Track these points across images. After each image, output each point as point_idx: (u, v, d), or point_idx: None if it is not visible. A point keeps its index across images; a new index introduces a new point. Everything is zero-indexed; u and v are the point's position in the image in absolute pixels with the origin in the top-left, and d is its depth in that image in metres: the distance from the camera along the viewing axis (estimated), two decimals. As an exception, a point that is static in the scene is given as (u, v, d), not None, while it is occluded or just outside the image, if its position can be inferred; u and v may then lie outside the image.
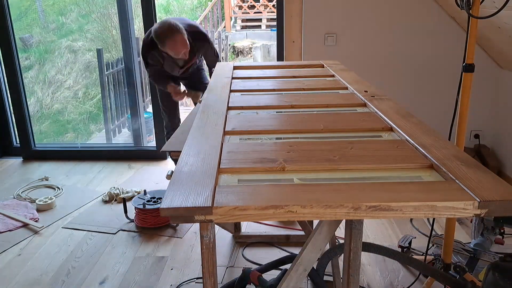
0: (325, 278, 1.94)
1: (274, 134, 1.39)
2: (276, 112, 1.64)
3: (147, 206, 2.70)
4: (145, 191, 2.85)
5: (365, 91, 1.81)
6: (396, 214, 0.91)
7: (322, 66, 2.46)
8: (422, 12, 3.23)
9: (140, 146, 4.23)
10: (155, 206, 2.70)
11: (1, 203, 3.07)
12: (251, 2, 10.83)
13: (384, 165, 1.11)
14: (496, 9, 1.69)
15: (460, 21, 3.17)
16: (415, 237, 2.44)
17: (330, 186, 0.99)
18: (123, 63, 4.44)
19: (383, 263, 2.29)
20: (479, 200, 0.89)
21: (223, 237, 2.57)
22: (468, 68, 1.77)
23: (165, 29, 2.64)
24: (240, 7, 11.04)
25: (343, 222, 1.17)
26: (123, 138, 5.24)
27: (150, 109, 4.33)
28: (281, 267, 2.04)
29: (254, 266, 2.19)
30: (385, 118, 1.47)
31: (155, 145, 3.87)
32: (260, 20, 10.88)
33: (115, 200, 3.10)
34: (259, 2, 10.78)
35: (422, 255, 2.25)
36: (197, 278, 2.19)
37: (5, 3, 3.62)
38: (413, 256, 2.19)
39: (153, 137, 4.41)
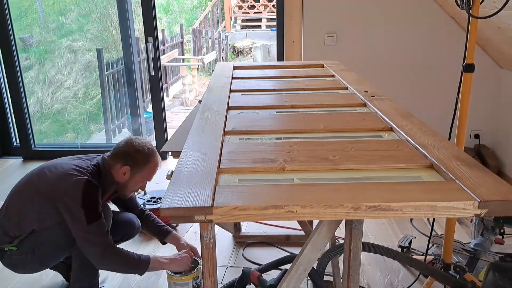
0: (325, 278, 1.93)
1: (274, 134, 1.39)
2: (276, 112, 1.64)
3: (147, 206, 2.70)
4: (145, 191, 2.85)
5: (365, 91, 1.81)
6: (396, 214, 0.91)
7: (322, 66, 2.46)
8: (422, 12, 3.23)
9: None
10: (155, 206, 2.70)
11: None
12: (251, 2, 10.83)
13: (384, 165, 1.11)
14: (496, 9, 1.69)
15: (460, 21, 3.17)
16: (415, 237, 2.44)
17: (330, 186, 0.99)
18: (123, 63, 4.45)
19: (383, 263, 2.29)
20: (479, 200, 0.89)
21: (223, 237, 2.57)
22: (468, 68, 1.77)
23: (148, 146, 1.95)
24: (240, 7, 11.04)
25: (343, 222, 1.17)
26: (123, 138, 5.24)
27: (150, 109, 4.33)
28: (281, 267, 2.04)
29: (254, 266, 2.19)
30: (385, 118, 1.47)
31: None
32: (260, 20, 10.88)
33: (115, 200, 3.09)
34: (259, 2, 10.78)
35: (422, 255, 2.25)
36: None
37: (5, 3, 3.62)
38: (413, 256, 2.19)
39: (153, 137, 4.40)
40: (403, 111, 1.54)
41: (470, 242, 2.25)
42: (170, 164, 3.72)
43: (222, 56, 9.75)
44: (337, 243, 2.02)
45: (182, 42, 9.12)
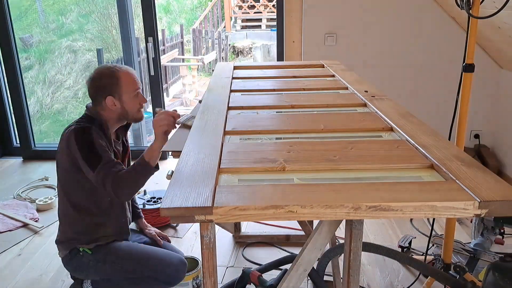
0: (325, 278, 1.93)
1: (274, 134, 1.38)
2: (276, 112, 1.64)
3: (147, 206, 2.70)
4: (145, 191, 2.85)
5: (365, 91, 1.81)
6: (396, 214, 0.91)
7: (322, 66, 2.46)
8: (422, 12, 3.23)
9: (140, 146, 4.23)
10: (155, 206, 2.71)
11: (1, 203, 3.07)
12: (251, 2, 10.83)
13: (384, 165, 1.11)
14: (496, 9, 1.69)
15: (460, 21, 3.17)
16: (415, 237, 2.44)
17: (330, 186, 0.99)
18: (123, 63, 4.44)
19: (383, 263, 2.29)
20: (479, 200, 0.89)
21: (223, 237, 2.57)
22: (468, 68, 1.77)
23: (105, 67, 1.87)
24: (240, 7, 11.04)
25: (343, 222, 1.17)
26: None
27: (150, 109, 4.33)
28: (281, 267, 2.04)
29: (254, 266, 2.19)
30: (386, 118, 1.47)
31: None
32: (260, 20, 10.88)
33: (115, 200, 3.09)
34: (259, 2, 10.78)
35: (422, 255, 2.25)
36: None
37: (5, 3, 3.62)
38: (413, 256, 2.19)
39: (153, 137, 4.40)
40: (403, 111, 1.54)
41: (470, 242, 2.25)
42: (170, 164, 3.72)
43: (222, 56, 9.75)
44: (337, 243, 2.02)
45: (182, 42, 9.13)
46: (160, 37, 6.77)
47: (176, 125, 1.78)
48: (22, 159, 3.98)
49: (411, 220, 2.74)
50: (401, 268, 2.25)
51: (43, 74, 7.88)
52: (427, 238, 2.39)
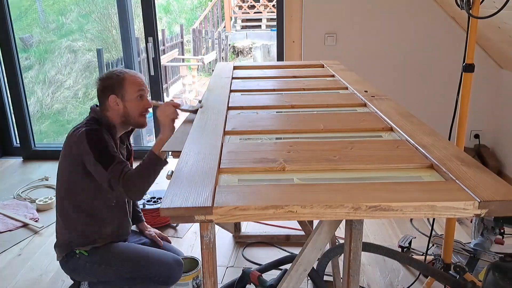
0: (325, 278, 1.93)
1: (274, 134, 1.39)
2: (276, 112, 1.64)
3: (147, 206, 2.70)
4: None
5: (365, 91, 1.81)
6: (396, 214, 0.91)
7: (322, 66, 2.46)
8: (422, 12, 3.23)
9: (140, 146, 4.23)
10: (155, 206, 2.70)
11: (1, 203, 3.07)
12: (251, 2, 10.83)
13: (384, 165, 1.11)
14: (496, 9, 1.69)
15: (460, 21, 3.17)
16: (415, 237, 2.44)
17: (330, 186, 0.99)
18: (123, 63, 4.44)
19: (383, 263, 2.29)
20: (479, 200, 0.89)
21: (223, 237, 2.57)
22: (468, 68, 1.77)
23: (115, 69, 1.90)
24: (240, 7, 11.04)
25: (343, 222, 1.17)
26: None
27: (150, 109, 4.33)
28: (281, 267, 2.04)
29: (254, 266, 2.19)
30: (385, 118, 1.47)
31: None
32: (260, 20, 10.88)
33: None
34: (259, 2, 10.79)
35: (422, 255, 2.25)
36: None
37: (5, 3, 3.62)
38: (413, 256, 2.19)
39: (153, 137, 4.41)
40: (403, 111, 1.54)
41: (470, 242, 2.25)
42: (170, 164, 3.71)
43: (222, 56, 9.75)
44: (337, 243, 2.02)
45: (182, 42, 9.13)
46: (160, 37, 6.78)
47: (181, 111, 1.81)
48: (22, 159, 3.97)
49: (411, 220, 2.74)
50: (401, 268, 2.25)
51: (43, 74, 7.88)
52: (427, 238, 2.39)
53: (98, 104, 1.88)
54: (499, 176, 1.10)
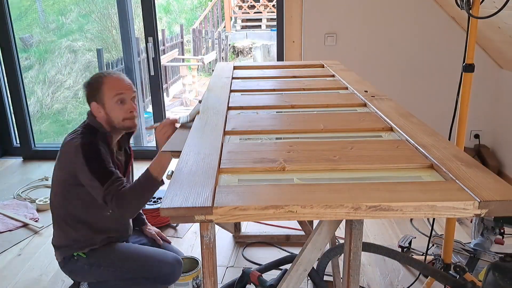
0: (325, 278, 1.93)
1: (274, 134, 1.38)
2: (276, 112, 1.64)
3: (147, 206, 2.70)
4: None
5: (365, 91, 1.81)
6: (396, 214, 0.91)
7: (322, 66, 2.46)
8: (422, 12, 3.23)
9: (140, 146, 4.24)
10: (155, 206, 2.70)
11: (1, 203, 3.07)
12: (251, 2, 10.83)
13: (384, 165, 1.11)
14: (496, 9, 1.69)
15: (460, 21, 3.17)
16: (415, 237, 2.44)
17: (330, 186, 0.99)
18: (123, 63, 4.44)
19: (383, 263, 2.29)
20: (479, 200, 0.89)
21: (223, 237, 2.57)
22: (468, 68, 1.77)
23: (96, 74, 1.82)
24: (240, 7, 11.04)
25: (343, 222, 1.17)
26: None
27: (150, 109, 4.33)
28: (281, 267, 2.04)
29: (254, 266, 2.19)
30: (385, 118, 1.47)
31: (155, 145, 3.87)
32: (260, 20, 10.88)
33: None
34: (259, 2, 10.78)
35: (422, 255, 2.25)
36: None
37: (5, 3, 3.62)
38: (413, 256, 2.19)
39: (153, 137, 4.41)
40: (403, 111, 1.54)
41: (470, 242, 2.25)
42: (170, 164, 3.71)
43: (222, 56, 9.75)
44: (337, 243, 2.02)
45: (182, 42, 9.13)
46: (160, 37, 6.78)
47: (176, 125, 1.76)
48: (22, 159, 3.98)
49: (411, 220, 2.74)
50: (401, 268, 2.25)
51: (43, 74, 7.88)
52: (427, 238, 2.39)
53: None
54: (499, 176, 1.10)
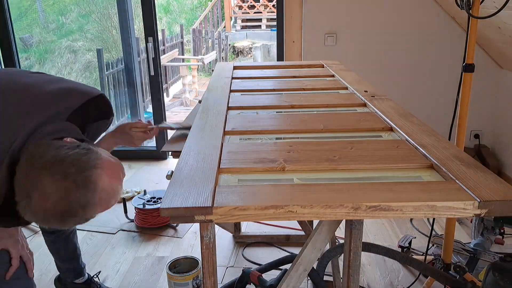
0: (325, 278, 1.93)
1: (274, 134, 1.38)
2: (276, 112, 1.64)
3: (147, 206, 2.70)
4: (145, 191, 2.85)
5: (365, 91, 1.81)
6: (396, 214, 0.91)
7: (322, 66, 2.46)
8: (422, 12, 3.23)
9: (140, 146, 4.23)
10: (155, 206, 2.71)
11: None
12: (251, 2, 10.83)
13: (384, 165, 1.11)
14: (496, 9, 1.69)
15: (460, 21, 3.17)
16: (415, 237, 2.44)
17: (330, 186, 0.99)
18: (123, 63, 4.45)
19: (383, 263, 2.29)
20: (479, 200, 0.89)
21: (223, 237, 2.57)
22: (468, 68, 1.77)
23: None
24: (240, 7, 11.04)
25: (343, 222, 1.17)
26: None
27: (150, 109, 4.34)
28: (281, 267, 2.04)
29: (254, 266, 2.19)
30: (385, 118, 1.47)
31: (155, 145, 3.88)
32: (260, 20, 10.88)
33: (115, 200, 3.09)
34: (259, 2, 10.79)
35: (422, 255, 2.25)
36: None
37: (5, 3, 3.62)
38: (413, 256, 2.19)
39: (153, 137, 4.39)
40: (403, 111, 1.54)
41: (470, 242, 2.25)
42: (170, 164, 3.72)
43: (222, 56, 9.75)
44: (337, 243, 2.02)
45: (182, 42, 9.13)
46: (160, 37, 6.77)
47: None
48: (22, 159, 3.97)
49: (411, 220, 2.74)
50: (401, 268, 2.25)
51: (43, 74, 7.86)
52: (427, 238, 2.39)
53: None
54: (499, 176, 1.11)
